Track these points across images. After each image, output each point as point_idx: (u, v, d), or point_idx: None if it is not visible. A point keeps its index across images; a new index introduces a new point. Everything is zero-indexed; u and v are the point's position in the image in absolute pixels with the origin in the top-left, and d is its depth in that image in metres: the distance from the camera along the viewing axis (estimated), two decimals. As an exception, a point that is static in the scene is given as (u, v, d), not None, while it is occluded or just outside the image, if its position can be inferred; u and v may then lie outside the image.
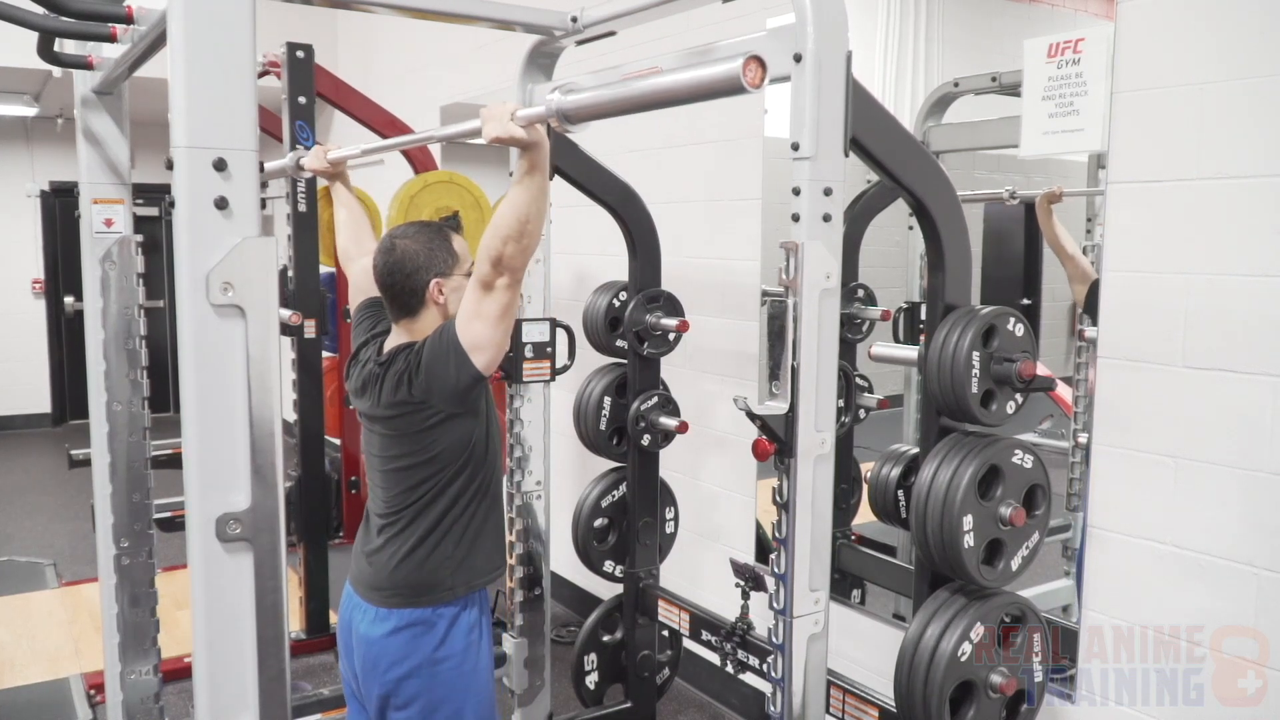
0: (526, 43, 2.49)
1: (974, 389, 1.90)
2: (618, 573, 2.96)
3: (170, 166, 1.32)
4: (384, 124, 3.81)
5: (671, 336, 2.85)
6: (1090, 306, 2.25)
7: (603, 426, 2.89)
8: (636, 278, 2.81)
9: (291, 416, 3.67)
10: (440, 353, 1.83)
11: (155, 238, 7.40)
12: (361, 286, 2.19)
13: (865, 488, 2.75)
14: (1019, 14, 2.68)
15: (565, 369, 2.85)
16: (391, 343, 1.98)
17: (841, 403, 2.71)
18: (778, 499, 1.79)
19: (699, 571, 3.42)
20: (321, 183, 3.72)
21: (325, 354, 3.79)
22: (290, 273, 3.52)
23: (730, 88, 1.21)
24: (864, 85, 1.78)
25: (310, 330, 3.52)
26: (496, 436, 2.01)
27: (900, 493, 2.57)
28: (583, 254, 3.81)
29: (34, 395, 8.13)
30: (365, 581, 1.99)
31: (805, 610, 1.79)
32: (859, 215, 2.89)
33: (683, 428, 2.82)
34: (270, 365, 1.36)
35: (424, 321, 1.95)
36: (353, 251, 2.25)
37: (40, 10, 1.91)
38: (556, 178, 2.65)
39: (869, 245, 2.93)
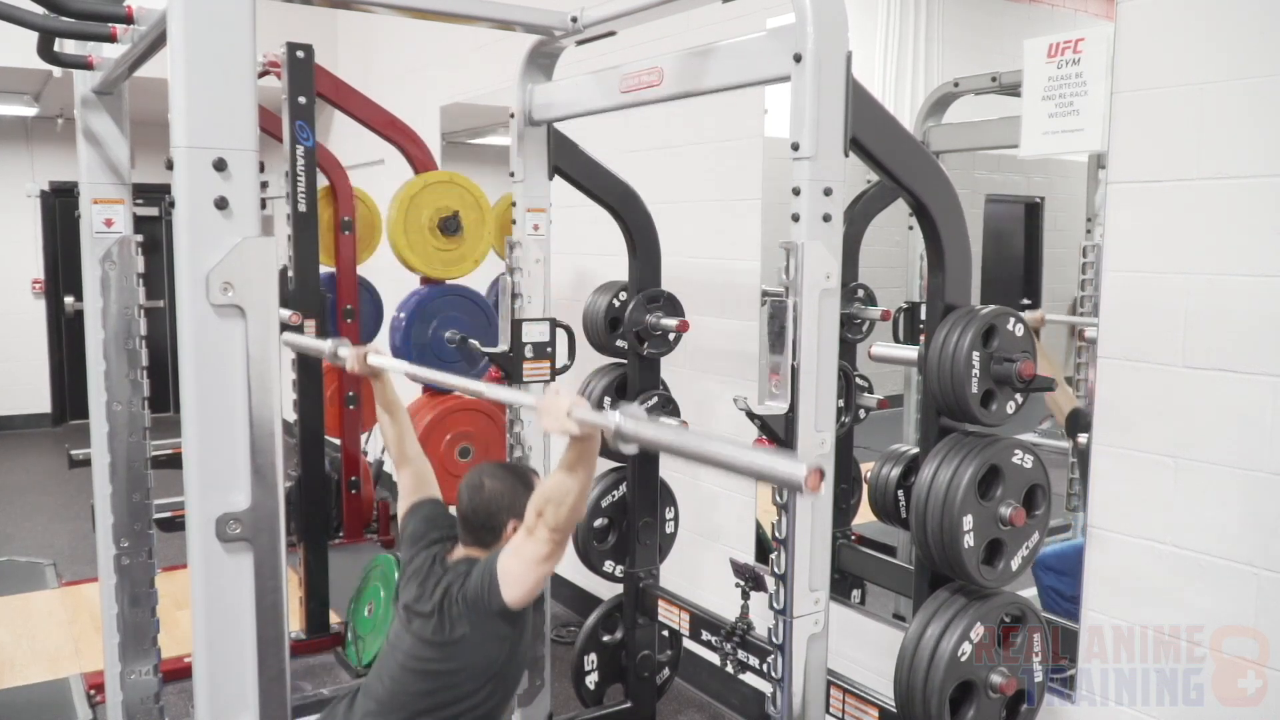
0: (526, 43, 2.49)
1: (974, 389, 1.90)
2: (618, 573, 2.96)
3: (170, 166, 1.32)
4: (384, 124, 3.81)
5: (671, 336, 2.85)
6: (1072, 431, 2.29)
7: (603, 426, 2.89)
8: (636, 278, 2.81)
9: (291, 416, 3.67)
10: (481, 574, 1.87)
11: (155, 238, 7.36)
12: (412, 488, 2.19)
13: (865, 488, 2.75)
14: (1019, 14, 2.68)
15: (565, 369, 2.85)
16: (458, 554, 2.01)
17: (841, 403, 2.71)
18: (778, 499, 1.79)
19: (699, 571, 3.42)
20: (322, 181, 3.73)
21: (325, 354, 3.79)
22: (290, 273, 3.52)
23: (788, 485, 1.21)
24: (864, 85, 1.78)
25: (310, 330, 3.52)
26: (520, 669, 2.01)
27: (900, 493, 2.57)
28: (583, 254, 3.81)
29: (34, 395, 8.13)
30: None
31: (805, 610, 1.79)
32: (859, 215, 2.89)
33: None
34: (270, 365, 1.36)
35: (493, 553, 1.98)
36: (400, 461, 2.24)
37: (40, 10, 1.91)
38: (557, 178, 2.66)
39: (869, 245, 2.93)
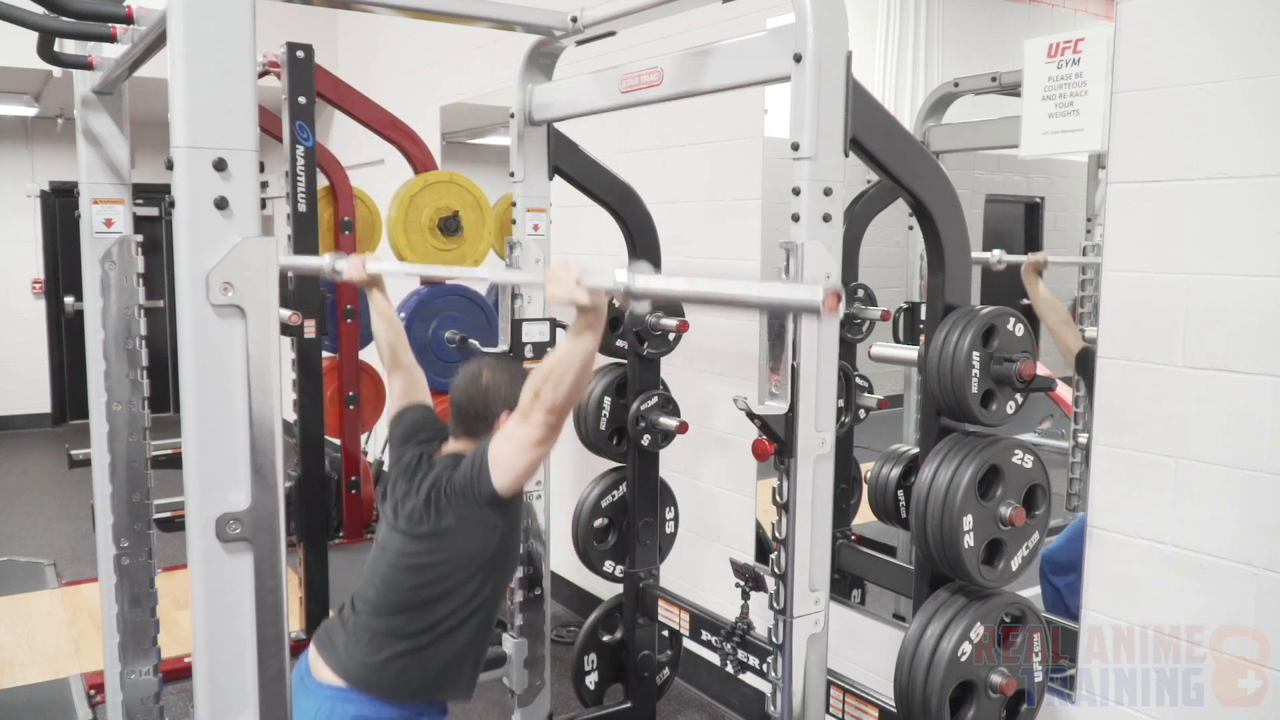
0: (526, 43, 2.49)
1: (974, 389, 1.90)
2: (618, 573, 2.96)
3: (170, 166, 1.32)
4: (384, 124, 3.81)
5: (671, 336, 2.85)
6: (1082, 371, 2.27)
7: (603, 426, 2.89)
8: (636, 278, 2.81)
9: (291, 416, 3.67)
10: (471, 461, 1.87)
11: (155, 238, 7.39)
12: (401, 393, 2.21)
13: (865, 488, 2.76)
14: (1019, 14, 2.69)
15: (565, 369, 2.84)
16: (446, 449, 2.01)
17: (841, 403, 2.71)
18: (778, 499, 1.79)
19: (699, 571, 3.42)
20: (322, 181, 3.73)
21: (325, 354, 3.79)
22: (290, 273, 3.52)
23: (805, 309, 1.18)
24: (864, 85, 1.78)
25: (310, 330, 3.51)
26: (512, 561, 2.00)
27: (900, 493, 2.57)
28: (583, 254, 3.80)
29: (34, 395, 8.13)
30: (332, 655, 1.92)
31: (805, 610, 1.79)
32: (859, 215, 2.89)
33: (683, 428, 2.82)
34: (270, 365, 1.36)
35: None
36: (393, 367, 2.26)
37: (40, 10, 1.91)
38: (557, 178, 2.66)
39: (869, 245, 2.93)
